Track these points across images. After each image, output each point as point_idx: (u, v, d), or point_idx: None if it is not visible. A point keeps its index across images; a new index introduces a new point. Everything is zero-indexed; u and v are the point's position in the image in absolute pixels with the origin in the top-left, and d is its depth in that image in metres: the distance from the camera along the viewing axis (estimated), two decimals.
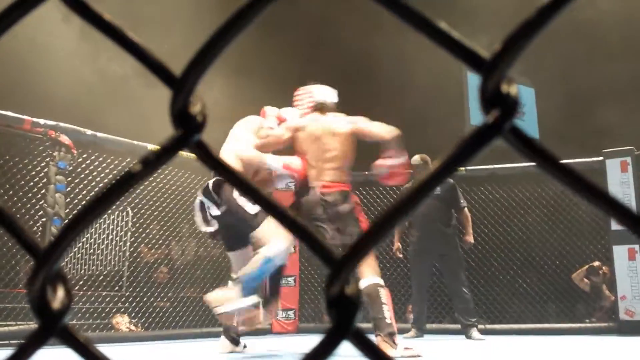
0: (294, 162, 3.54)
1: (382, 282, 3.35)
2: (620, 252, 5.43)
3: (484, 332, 5.31)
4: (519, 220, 6.51)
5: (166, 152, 0.28)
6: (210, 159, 0.27)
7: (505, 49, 0.23)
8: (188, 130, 0.27)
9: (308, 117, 3.64)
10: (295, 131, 3.58)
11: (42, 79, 6.21)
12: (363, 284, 3.27)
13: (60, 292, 0.28)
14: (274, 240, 3.33)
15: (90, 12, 0.29)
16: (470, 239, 5.40)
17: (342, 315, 0.24)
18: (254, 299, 3.37)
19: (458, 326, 5.38)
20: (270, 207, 0.27)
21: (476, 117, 9.12)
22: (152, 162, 0.28)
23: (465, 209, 5.45)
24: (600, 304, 5.94)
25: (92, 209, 0.28)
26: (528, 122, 8.45)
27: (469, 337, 5.15)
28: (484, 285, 6.49)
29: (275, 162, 3.57)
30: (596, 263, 6.03)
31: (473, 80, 9.14)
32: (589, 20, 7.02)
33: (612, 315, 5.58)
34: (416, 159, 5.40)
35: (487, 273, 6.57)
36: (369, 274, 3.30)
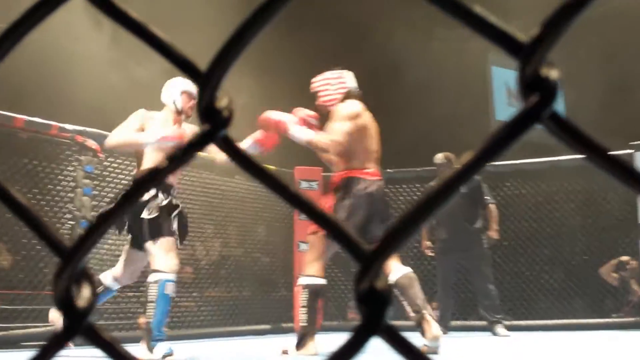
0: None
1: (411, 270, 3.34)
2: None
3: (510, 328, 5.25)
4: (545, 216, 6.42)
5: (192, 147, 0.27)
6: (236, 154, 0.27)
7: (544, 32, 0.22)
8: (214, 125, 0.27)
9: (353, 103, 3.47)
10: (357, 118, 3.41)
11: (70, 85, 6.31)
12: (395, 275, 3.23)
13: (86, 291, 0.28)
14: (165, 258, 3.14)
15: (115, 9, 0.29)
16: (494, 234, 5.33)
17: (373, 310, 0.23)
18: (165, 347, 3.21)
19: (484, 323, 5.33)
20: (299, 202, 0.27)
21: (502, 112, 9.01)
22: (179, 157, 0.27)
23: (491, 205, 5.38)
24: (628, 299, 5.82)
25: (119, 206, 0.28)
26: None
27: (494, 333, 5.09)
28: (509, 282, 6.41)
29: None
30: (625, 257, 5.91)
31: (498, 75, 9.05)
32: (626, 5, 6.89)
33: None
34: (439, 157, 5.35)
35: (514, 269, 6.48)
36: (397, 265, 3.26)
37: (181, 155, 0.27)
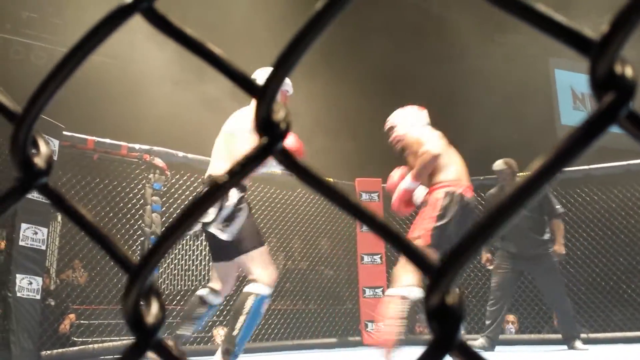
0: None
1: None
2: None
3: (586, 341, 5.01)
4: (620, 223, 6.12)
5: (251, 161, 0.27)
6: (295, 166, 0.27)
7: (615, 27, 0.21)
8: (272, 138, 0.27)
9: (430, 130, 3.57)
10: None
11: (137, 105, 6.56)
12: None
13: (154, 307, 0.28)
14: (265, 272, 2.98)
15: (172, 27, 0.29)
16: (561, 249, 5.04)
17: (444, 326, 0.22)
18: None
19: (558, 336, 5.11)
20: (360, 213, 0.26)
21: (567, 116, 8.69)
22: (238, 172, 0.27)
23: (558, 218, 5.10)
24: None
25: (182, 222, 0.28)
26: None
27: (571, 347, 4.86)
28: (584, 293, 6.13)
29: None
30: None
31: (561, 78, 8.75)
32: None
33: None
34: (499, 163, 5.14)
35: (589, 279, 6.20)
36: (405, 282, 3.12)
37: (240, 170, 0.27)
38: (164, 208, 5.11)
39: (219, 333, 5.57)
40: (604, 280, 6.20)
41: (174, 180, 5.37)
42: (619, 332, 5.63)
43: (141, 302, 0.27)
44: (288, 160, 0.27)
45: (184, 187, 5.44)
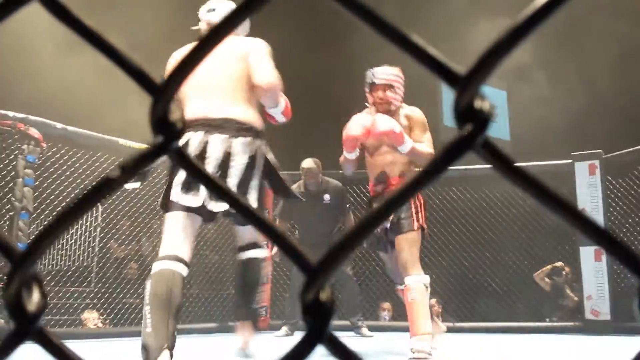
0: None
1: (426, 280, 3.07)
2: (586, 252, 5.56)
3: (452, 330, 5.37)
4: (488, 221, 6.61)
5: (145, 159, 0.28)
6: (189, 166, 0.28)
7: (478, 67, 0.24)
8: (168, 138, 0.27)
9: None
10: None
11: (14, 73, 6.07)
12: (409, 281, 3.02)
13: (36, 295, 0.28)
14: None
15: (70, 16, 0.29)
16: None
17: (317, 320, 0.25)
18: None
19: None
20: (246, 212, 0.28)
21: (450, 118, 9.20)
22: (131, 168, 0.28)
23: (350, 213, 5.44)
24: (562, 304, 6.06)
25: (70, 214, 0.28)
26: (500, 124, 8.58)
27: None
28: (453, 284, 6.58)
29: None
30: (559, 263, 6.14)
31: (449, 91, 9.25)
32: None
33: (578, 314, 5.70)
34: (308, 162, 5.30)
35: (457, 272, 6.66)
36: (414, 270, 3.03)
37: (133, 166, 0.28)
38: (37, 182, 4.80)
39: (90, 316, 5.35)
40: (471, 272, 6.70)
41: (50, 154, 5.04)
42: (483, 322, 6.09)
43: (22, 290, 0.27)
44: (182, 160, 0.28)
45: (61, 161, 5.13)
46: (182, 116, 0.28)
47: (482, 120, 0.24)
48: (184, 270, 2.32)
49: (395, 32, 0.25)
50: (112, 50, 0.29)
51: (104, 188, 0.28)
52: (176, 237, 2.35)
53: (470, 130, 0.24)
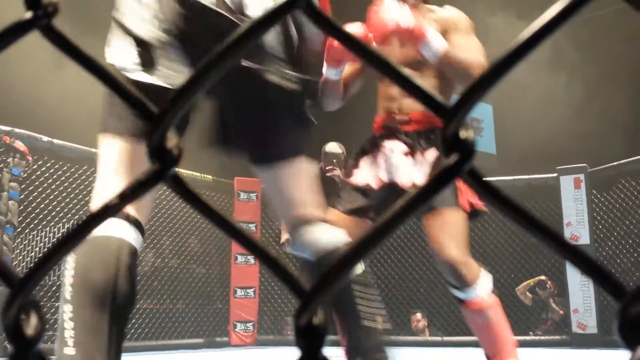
0: None
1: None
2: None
3: (441, 344, 5.39)
4: (475, 234, 6.65)
5: (143, 186, 0.29)
6: (185, 193, 0.28)
7: (463, 100, 0.25)
8: (164, 165, 0.28)
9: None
10: None
11: (2, 87, 6.04)
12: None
13: (34, 319, 0.28)
14: None
15: (70, 45, 0.30)
16: None
17: (311, 344, 0.26)
18: None
19: (418, 338, 5.43)
20: (240, 237, 0.29)
21: None
22: (129, 196, 0.29)
23: None
24: (547, 317, 6.08)
25: (69, 240, 0.29)
26: (486, 138, 8.66)
27: None
28: (441, 298, 6.59)
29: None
30: (543, 277, 6.17)
31: None
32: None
33: (565, 328, 5.73)
34: (334, 146, 4.52)
35: (445, 286, 6.67)
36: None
37: (131, 193, 0.28)
38: (22, 196, 4.77)
39: None
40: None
41: (35, 167, 5.01)
42: (471, 336, 6.09)
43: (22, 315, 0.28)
44: (179, 186, 0.28)
45: (47, 174, 5.10)
46: (179, 142, 0.29)
47: (467, 149, 0.25)
48: (136, 241, 1.27)
49: (385, 63, 0.26)
50: (110, 79, 0.30)
51: (104, 215, 0.29)
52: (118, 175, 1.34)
53: (457, 159, 0.25)
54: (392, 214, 0.26)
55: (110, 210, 0.28)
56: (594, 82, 7.34)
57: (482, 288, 2.18)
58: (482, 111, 8.62)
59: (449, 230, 2.13)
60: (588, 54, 7.49)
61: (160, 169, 0.28)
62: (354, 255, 0.26)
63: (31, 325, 0.28)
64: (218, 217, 0.28)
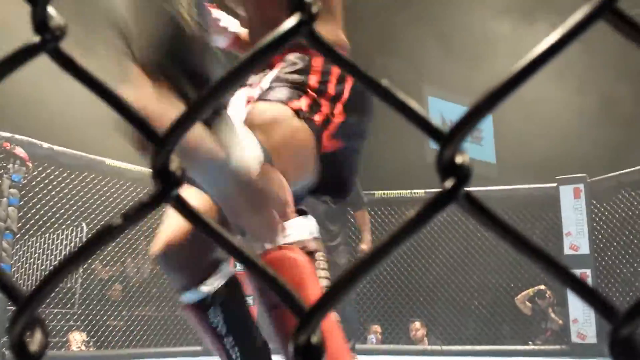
0: None
1: None
2: None
3: (439, 353, 5.37)
4: (475, 244, 6.65)
5: (146, 207, 0.29)
6: (189, 214, 0.29)
7: (459, 126, 0.26)
8: (168, 185, 0.29)
9: None
10: None
11: (2, 94, 6.05)
12: None
13: (38, 335, 0.29)
14: None
15: (78, 68, 0.31)
16: (368, 245, 4.63)
17: None
18: None
19: (417, 347, 5.41)
20: (242, 257, 0.29)
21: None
22: (133, 217, 0.29)
23: (365, 207, 4.73)
24: (546, 327, 6.07)
25: (74, 259, 0.29)
26: (485, 146, 8.67)
27: None
28: (440, 307, 6.58)
29: None
30: (542, 287, 6.16)
31: (434, 105, 9.35)
32: None
33: (565, 338, 5.72)
34: None
35: (445, 294, 6.66)
36: None
37: (135, 215, 0.29)
38: (22, 202, 4.77)
39: (75, 338, 5.27)
40: (458, 295, 6.70)
41: (35, 173, 5.01)
42: (470, 346, 6.08)
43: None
44: (183, 207, 0.29)
45: (47, 181, 5.10)
46: (180, 165, 0.29)
47: (463, 174, 0.26)
48: None
49: (382, 88, 0.27)
50: (116, 101, 0.30)
51: (107, 235, 0.29)
52: None
53: (453, 184, 0.26)
54: (389, 238, 0.26)
55: (115, 230, 0.29)
56: (594, 92, 7.35)
57: None
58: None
59: None
60: (589, 62, 7.51)
61: (164, 190, 0.29)
62: (352, 277, 0.26)
63: (35, 341, 0.29)
64: (220, 237, 0.29)
